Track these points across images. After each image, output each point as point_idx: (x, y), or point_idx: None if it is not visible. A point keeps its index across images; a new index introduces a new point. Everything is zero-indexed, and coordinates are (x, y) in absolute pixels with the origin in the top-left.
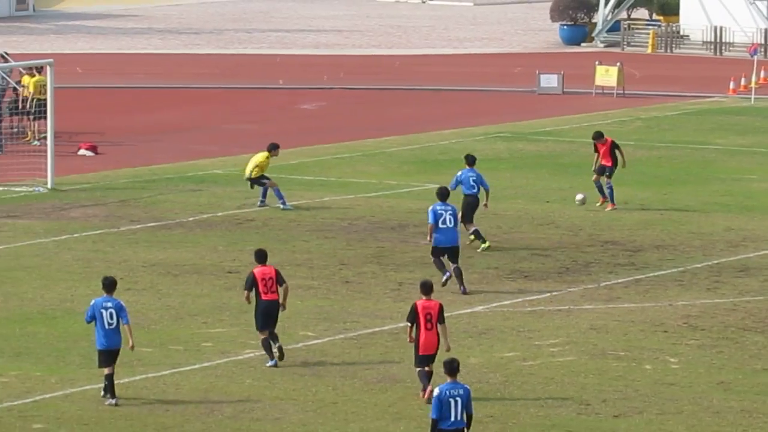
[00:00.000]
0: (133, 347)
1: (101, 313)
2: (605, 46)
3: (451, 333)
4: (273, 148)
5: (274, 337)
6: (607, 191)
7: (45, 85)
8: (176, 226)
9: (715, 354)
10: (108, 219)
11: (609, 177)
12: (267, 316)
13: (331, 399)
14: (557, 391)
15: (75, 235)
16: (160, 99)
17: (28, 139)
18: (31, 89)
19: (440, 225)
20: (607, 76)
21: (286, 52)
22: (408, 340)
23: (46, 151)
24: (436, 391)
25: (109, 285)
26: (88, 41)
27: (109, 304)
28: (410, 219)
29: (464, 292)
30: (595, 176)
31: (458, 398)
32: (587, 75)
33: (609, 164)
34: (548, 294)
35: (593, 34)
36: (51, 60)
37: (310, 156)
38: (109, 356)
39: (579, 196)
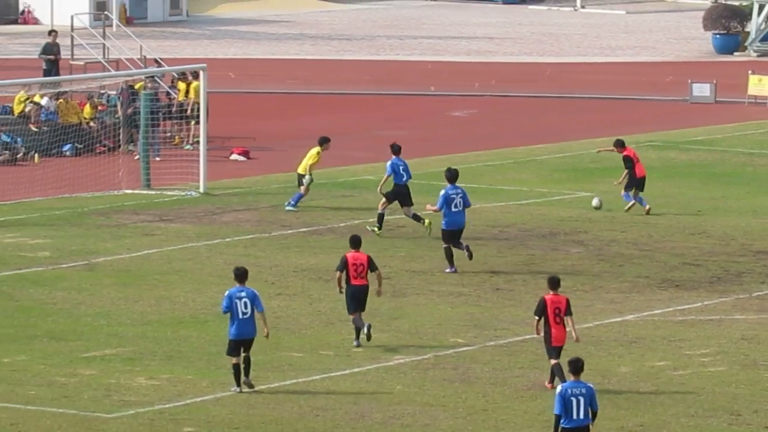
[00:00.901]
0: (268, 335)
1: (236, 303)
2: (758, 56)
3: (601, 341)
4: (324, 142)
5: (361, 322)
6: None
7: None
8: (327, 232)
9: None
10: (259, 224)
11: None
12: (356, 300)
13: (481, 406)
14: (708, 401)
15: (227, 239)
16: (312, 104)
17: (176, 143)
18: (192, 95)
19: (452, 209)
20: (760, 85)
21: (438, 59)
22: (536, 332)
23: (198, 156)
24: (559, 389)
25: (241, 275)
26: (240, 46)
27: (243, 294)
28: (561, 227)
29: (470, 258)
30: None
31: (581, 397)
32: (740, 84)
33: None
34: (699, 303)
35: (746, 44)
36: (204, 65)
37: (461, 163)
38: (240, 346)
39: (595, 201)
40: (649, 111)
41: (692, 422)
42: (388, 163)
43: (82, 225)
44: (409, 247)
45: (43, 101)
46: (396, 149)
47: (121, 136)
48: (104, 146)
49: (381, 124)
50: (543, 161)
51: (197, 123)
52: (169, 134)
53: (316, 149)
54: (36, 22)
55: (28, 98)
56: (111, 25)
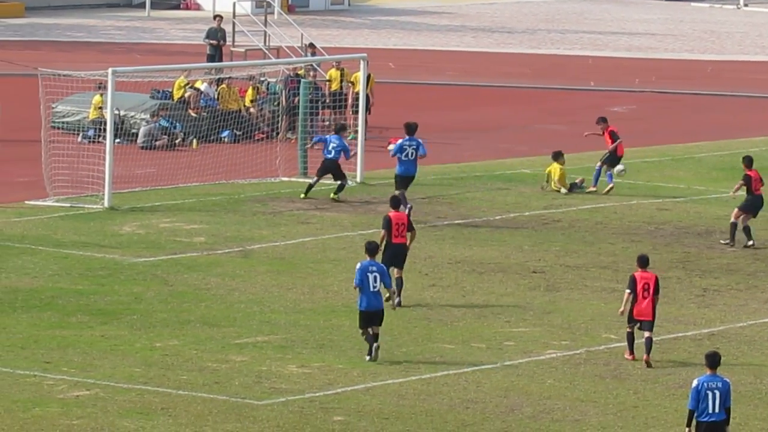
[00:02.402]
0: (394, 307)
1: (367, 277)
2: None
3: (754, 341)
4: (559, 156)
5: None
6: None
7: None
8: (483, 224)
9: None
10: (414, 214)
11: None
12: (395, 257)
13: (631, 403)
14: None
15: (382, 230)
16: (471, 97)
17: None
18: (356, 86)
19: (403, 158)
20: None
21: (598, 54)
22: (621, 309)
23: (356, 146)
24: (694, 383)
25: (373, 250)
26: (401, 37)
27: (374, 268)
28: (717, 225)
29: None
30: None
31: (717, 391)
32: None
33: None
34: None
35: None
36: (364, 54)
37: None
38: (371, 317)
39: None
40: None
41: None
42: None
43: (238, 211)
44: (564, 241)
45: (203, 87)
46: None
47: (281, 124)
48: (263, 133)
49: (539, 118)
50: (701, 159)
51: (356, 113)
52: (327, 123)
53: (558, 165)
54: (198, 8)
55: (188, 83)
56: (273, 13)
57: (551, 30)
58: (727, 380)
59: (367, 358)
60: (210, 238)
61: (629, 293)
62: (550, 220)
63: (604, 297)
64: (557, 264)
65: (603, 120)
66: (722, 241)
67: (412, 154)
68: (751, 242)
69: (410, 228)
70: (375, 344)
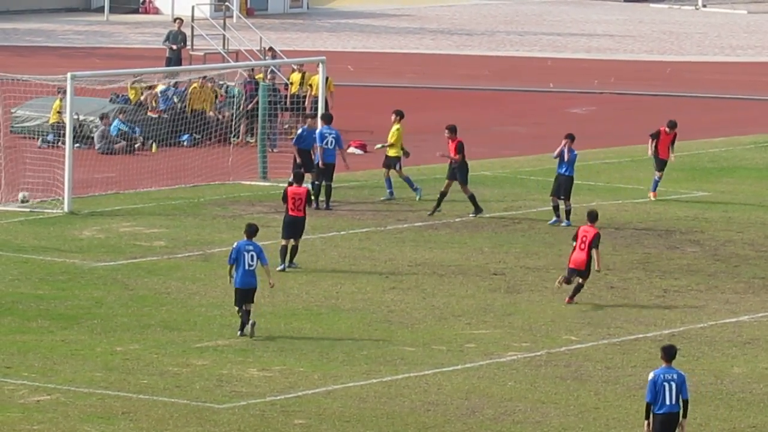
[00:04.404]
0: (272, 285)
1: (243, 255)
2: None
3: (714, 342)
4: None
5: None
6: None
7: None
8: (443, 227)
9: None
10: (375, 217)
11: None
12: (289, 228)
13: (592, 404)
14: None
15: (342, 232)
16: (430, 99)
17: (292, 136)
18: (315, 89)
19: (326, 146)
20: None
21: (558, 56)
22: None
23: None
24: (651, 375)
25: (252, 231)
26: (360, 40)
27: (251, 247)
28: (677, 226)
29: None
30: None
31: (672, 383)
32: None
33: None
34: None
35: None
36: (323, 57)
37: (579, 160)
38: (245, 294)
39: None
40: None
41: None
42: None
43: (198, 215)
44: (524, 243)
45: (160, 89)
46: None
47: (239, 128)
48: (222, 137)
49: (499, 120)
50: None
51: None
52: (286, 126)
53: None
54: (157, 11)
55: (148, 87)
56: (231, 17)
57: (510, 32)
58: (683, 373)
59: (239, 333)
60: (170, 242)
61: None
62: (510, 222)
63: (564, 298)
64: (518, 266)
65: (451, 129)
66: None
67: (331, 143)
68: None
69: (309, 203)
70: (250, 321)
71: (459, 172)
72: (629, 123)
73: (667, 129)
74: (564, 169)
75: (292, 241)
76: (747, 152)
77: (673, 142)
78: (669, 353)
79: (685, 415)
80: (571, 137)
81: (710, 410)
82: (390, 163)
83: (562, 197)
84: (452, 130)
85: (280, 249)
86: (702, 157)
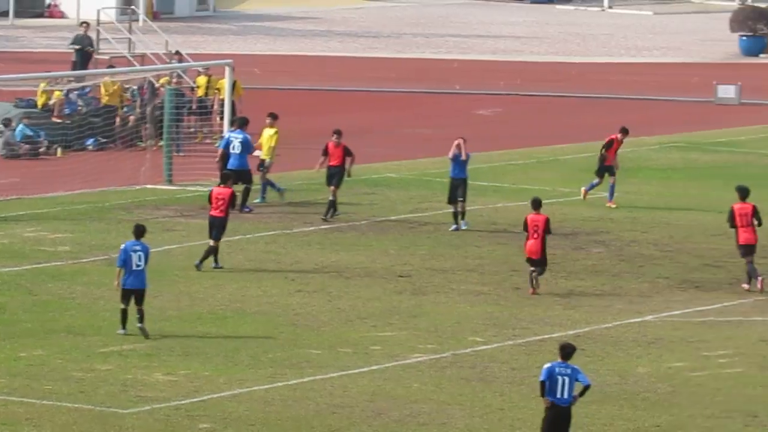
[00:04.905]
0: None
1: (131, 256)
2: None
3: (619, 341)
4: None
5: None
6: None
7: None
8: (349, 229)
9: None
10: (281, 220)
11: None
12: (210, 228)
13: (497, 405)
14: (725, 402)
15: (248, 236)
16: (338, 102)
17: (199, 140)
18: (221, 93)
19: (231, 150)
20: None
21: (464, 57)
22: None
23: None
24: (548, 364)
25: (139, 232)
26: (267, 43)
27: (138, 248)
28: (583, 227)
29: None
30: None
31: (566, 377)
32: (765, 86)
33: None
34: (719, 305)
35: None
36: (230, 60)
37: (484, 162)
38: (131, 295)
39: None
40: (673, 112)
41: (708, 423)
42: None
43: (103, 220)
44: (430, 245)
45: (65, 92)
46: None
47: (145, 131)
48: (128, 141)
49: (406, 122)
50: (566, 161)
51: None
52: (192, 130)
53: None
54: (62, 15)
55: (54, 91)
56: (137, 20)
57: (417, 34)
58: (577, 367)
59: (121, 332)
60: (75, 246)
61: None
62: (416, 224)
63: (470, 300)
64: (424, 268)
65: (335, 132)
66: None
67: (238, 147)
68: None
69: (233, 205)
70: (140, 324)
71: (339, 176)
72: (535, 124)
73: (620, 137)
74: (458, 172)
75: (212, 242)
76: (652, 153)
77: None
78: (564, 352)
79: (582, 395)
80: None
81: (615, 410)
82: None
83: (460, 199)
84: (339, 134)
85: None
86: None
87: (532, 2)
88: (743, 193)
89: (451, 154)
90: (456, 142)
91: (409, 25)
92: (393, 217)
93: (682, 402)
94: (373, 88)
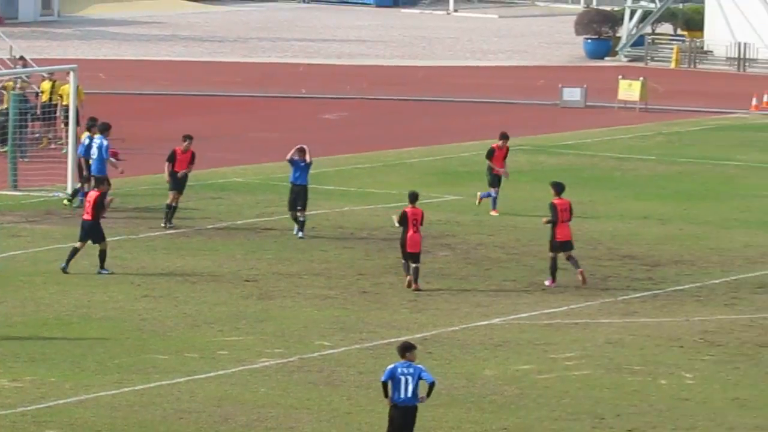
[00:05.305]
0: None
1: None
2: (629, 61)
3: (466, 345)
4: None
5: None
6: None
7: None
8: (195, 234)
9: (731, 370)
10: (127, 225)
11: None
12: (81, 231)
13: (345, 409)
14: (572, 404)
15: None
16: (183, 106)
17: (44, 145)
18: (65, 99)
19: (91, 156)
20: (630, 90)
21: (310, 62)
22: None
23: (66, 157)
24: (391, 366)
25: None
26: (112, 47)
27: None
28: (429, 230)
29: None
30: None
31: (409, 376)
32: (610, 89)
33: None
34: (565, 307)
35: (617, 49)
36: (75, 65)
37: (331, 166)
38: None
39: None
40: (520, 115)
41: (556, 426)
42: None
43: None
44: (277, 249)
45: None
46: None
47: None
48: None
49: (252, 127)
50: (413, 164)
51: (67, 124)
52: (37, 135)
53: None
54: None
55: None
56: None
57: (262, 38)
58: (420, 366)
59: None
60: None
61: (397, 226)
62: (262, 229)
63: (317, 304)
64: (270, 272)
65: (187, 138)
66: None
67: (95, 153)
68: None
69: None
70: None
71: (183, 182)
72: (382, 128)
73: (500, 143)
74: (298, 178)
75: (80, 244)
76: None
77: (505, 156)
78: (401, 350)
79: (429, 395)
80: (301, 150)
81: (462, 413)
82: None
83: (299, 208)
84: (189, 139)
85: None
86: (453, 161)
87: (377, 6)
88: (559, 188)
89: (289, 156)
90: (298, 147)
91: (254, 29)
92: (239, 222)
93: (529, 404)
94: (219, 93)
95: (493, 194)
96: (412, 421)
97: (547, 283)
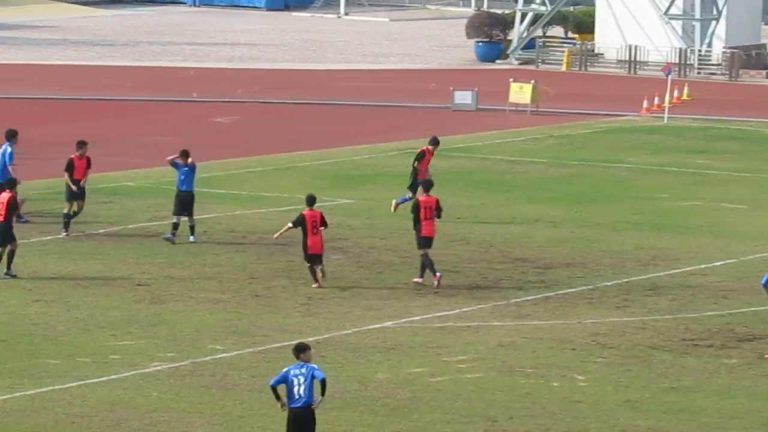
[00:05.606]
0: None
1: None
2: (520, 64)
3: (359, 348)
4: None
5: None
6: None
7: None
8: (86, 238)
9: (623, 372)
10: (18, 230)
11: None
12: None
13: (237, 413)
14: (465, 407)
15: None
16: (74, 110)
17: None
18: None
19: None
20: (521, 93)
21: (201, 65)
22: (276, 235)
23: None
24: (285, 369)
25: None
26: (1, 51)
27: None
28: (322, 233)
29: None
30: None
31: (302, 377)
32: (502, 92)
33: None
34: (458, 310)
35: (508, 52)
36: None
37: (223, 169)
38: None
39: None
40: (411, 118)
41: (449, 428)
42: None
43: None
44: (169, 253)
45: None
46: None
47: None
48: None
49: (143, 131)
50: (304, 168)
51: None
52: None
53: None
54: None
55: None
56: None
57: (153, 42)
58: (312, 365)
59: None
60: None
61: (291, 227)
62: (154, 233)
63: (209, 308)
64: (162, 276)
65: (81, 144)
66: None
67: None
68: None
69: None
70: None
71: (83, 191)
72: (273, 132)
73: (431, 147)
74: (184, 184)
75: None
76: (390, 159)
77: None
78: (297, 349)
79: (323, 393)
80: (184, 153)
81: (355, 416)
82: None
83: (186, 213)
84: (83, 145)
85: None
86: (345, 165)
87: (268, 9)
88: (428, 185)
89: (170, 159)
90: (181, 150)
91: (145, 33)
92: (131, 226)
93: (422, 407)
94: (109, 97)
95: (408, 197)
96: (311, 422)
97: (418, 280)
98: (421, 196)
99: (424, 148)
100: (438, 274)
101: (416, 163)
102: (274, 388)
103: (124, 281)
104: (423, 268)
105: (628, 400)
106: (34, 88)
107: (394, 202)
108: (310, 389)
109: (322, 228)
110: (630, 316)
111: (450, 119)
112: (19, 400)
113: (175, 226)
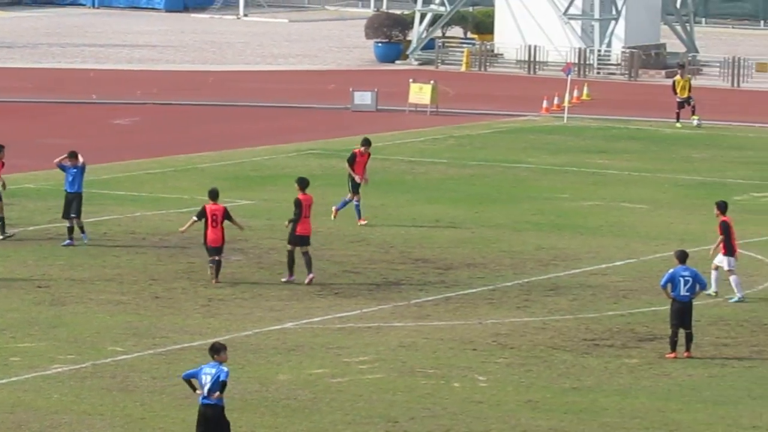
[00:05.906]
0: None
1: None
2: (419, 64)
3: (260, 349)
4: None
5: None
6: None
7: None
8: None
9: (524, 372)
10: None
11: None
12: None
13: (139, 414)
14: (366, 408)
15: None
16: None
17: None
18: None
19: None
20: (420, 93)
21: (100, 67)
22: (182, 229)
23: None
24: (201, 366)
25: None
26: None
27: None
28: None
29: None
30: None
31: (209, 375)
32: (401, 92)
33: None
34: (358, 311)
35: (408, 52)
36: None
37: (122, 171)
38: None
39: None
40: (311, 119)
41: (350, 429)
42: None
43: None
44: (69, 255)
45: None
46: None
47: None
48: None
49: (42, 132)
50: (204, 169)
51: None
52: None
53: None
54: None
55: None
56: None
57: (52, 44)
58: (221, 367)
59: None
60: None
61: (196, 221)
62: (55, 235)
63: (110, 310)
64: (62, 278)
65: None
66: None
67: None
68: None
69: None
70: None
71: None
72: (173, 133)
73: (362, 149)
74: (72, 186)
75: None
76: (290, 160)
77: (366, 162)
78: (210, 350)
79: (220, 391)
80: (72, 155)
81: (256, 418)
82: None
83: (73, 215)
84: (2, 148)
85: None
86: (245, 166)
87: (167, 11)
88: (304, 183)
89: (57, 161)
90: (69, 151)
91: (44, 34)
92: (31, 228)
93: (323, 408)
94: (8, 99)
95: (356, 202)
96: (219, 422)
97: (283, 279)
98: (300, 194)
99: (355, 150)
100: (311, 274)
101: (348, 165)
102: (187, 380)
103: (24, 283)
104: (290, 266)
105: (530, 400)
106: None
107: (334, 208)
108: (215, 388)
109: (236, 224)
110: (531, 317)
111: (350, 120)
112: None
113: (70, 230)
